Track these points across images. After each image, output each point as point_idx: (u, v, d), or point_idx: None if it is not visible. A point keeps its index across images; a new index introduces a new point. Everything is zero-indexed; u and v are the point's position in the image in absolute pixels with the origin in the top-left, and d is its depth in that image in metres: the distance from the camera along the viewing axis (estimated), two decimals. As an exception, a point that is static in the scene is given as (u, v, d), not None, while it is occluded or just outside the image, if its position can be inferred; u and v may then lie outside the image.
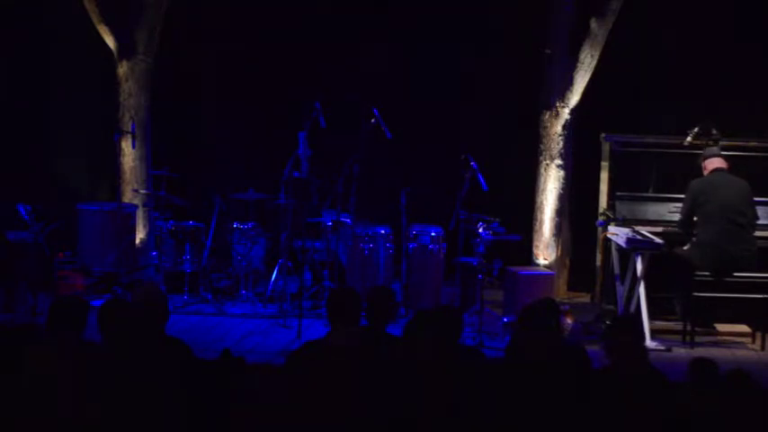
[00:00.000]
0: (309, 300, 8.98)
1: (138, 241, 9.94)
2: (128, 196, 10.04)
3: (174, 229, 9.35)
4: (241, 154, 10.64)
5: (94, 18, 9.92)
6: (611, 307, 8.86)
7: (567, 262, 10.29)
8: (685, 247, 8.40)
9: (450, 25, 10.31)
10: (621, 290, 8.60)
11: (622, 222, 8.78)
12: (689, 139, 8.92)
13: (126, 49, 10.01)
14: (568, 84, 9.80)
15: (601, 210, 9.35)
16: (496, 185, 8.52)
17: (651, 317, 8.18)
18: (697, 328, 8.28)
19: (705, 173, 8.48)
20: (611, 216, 9.00)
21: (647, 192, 9.34)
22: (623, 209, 9.08)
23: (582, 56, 9.72)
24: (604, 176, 9.50)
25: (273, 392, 5.29)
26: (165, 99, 10.39)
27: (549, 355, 5.14)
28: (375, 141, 8.88)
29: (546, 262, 9.88)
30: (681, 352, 7.96)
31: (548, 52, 9.86)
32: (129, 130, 9.75)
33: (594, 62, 9.73)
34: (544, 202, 9.99)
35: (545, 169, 9.98)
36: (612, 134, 9.52)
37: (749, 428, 4.82)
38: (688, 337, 8.21)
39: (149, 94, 10.18)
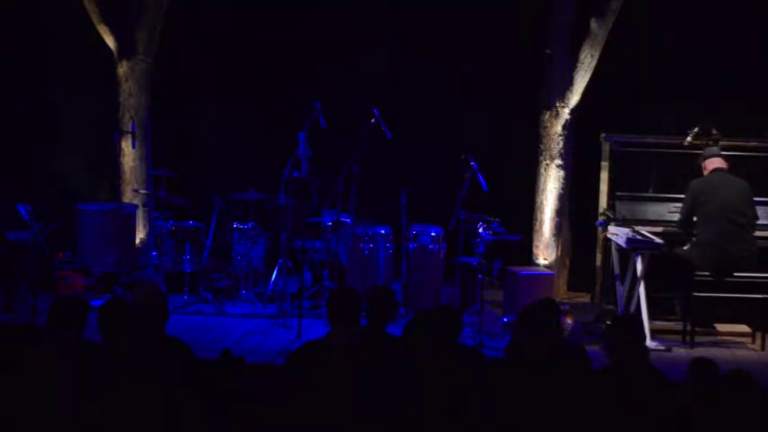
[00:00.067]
0: (309, 300, 8.98)
1: (138, 241, 9.94)
2: (128, 196, 10.05)
3: (174, 229, 9.35)
4: (241, 154, 10.64)
5: (94, 18, 9.92)
6: (611, 307, 8.86)
7: (567, 262, 10.29)
8: (685, 247, 8.40)
9: (451, 25, 10.31)
10: (621, 290, 8.60)
11: (622, 222, 8.78)
12: (689, 139, 8.92)
13: (126, 49, 10.02)
14: (568, 84, 9.80)
15: (601, 210, 9.35)
16: (496, 185, 8.52)
17: (651, 317, 8.18)
18: (697, 328, 8.28)
19: (705, 173, 8.48)
20: (611, 216, 9.00)
21: (647, 192, 9.34)
22: (623, 209, 9.08)
23: (582, 56, 9.72)
24: (604, 176, 9.50)
25: (273, 392, 5.29)
26: (165, 99, 10.39)
27: (549, 355, 5.14)
28: (375, 141, 8.88)
29: (546, 262, 9.88)
30: (681, 352, 7.97)
31: (548, 52, 9.86)
32: (129, 130, 9.76)
33: (594, 62, 9.74)
34: (544, 202, 9.99)
35: (545, 169, 9.98)
36: (612, 134, 9.52)
37: (749, 428, 4.82)
38: (688, 337, 8.21)
39: (149, 94, 10.18)
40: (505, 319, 8.30)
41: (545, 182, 9.99)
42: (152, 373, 5.10)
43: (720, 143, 8.78)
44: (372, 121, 8.84)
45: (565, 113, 9.88)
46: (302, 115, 8.86)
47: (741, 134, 9.24)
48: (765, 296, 8.18)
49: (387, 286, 7.59)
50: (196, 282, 9.29)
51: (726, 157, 8.54)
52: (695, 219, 8.37)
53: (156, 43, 10.10)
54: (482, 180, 8.27)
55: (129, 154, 10.06)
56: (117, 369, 5.09)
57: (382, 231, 9.09)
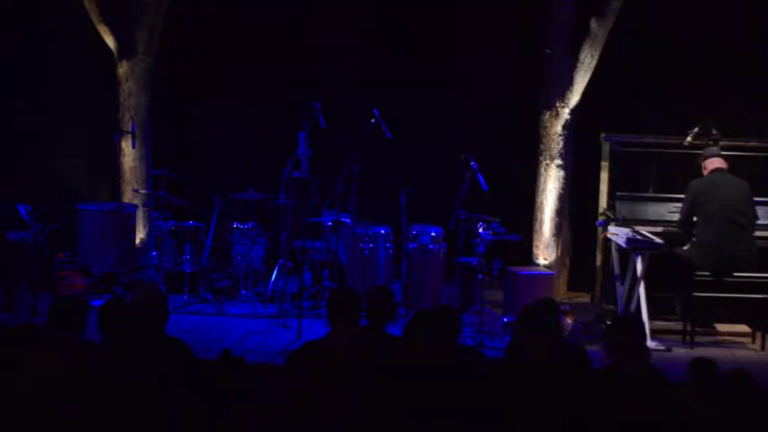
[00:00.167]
0: (309, 300, 8.98)
1: (138, 241, 9.94)
2: (128, 196, 10.05)
3: (174, 229, 9.35)
4: (241, 154, 10.64)
5: (94, 18, 9.92)
6: (611, 307, 8.86)
7: (567, 262, 10.29)
8: (685, 247, 8.40)
9: (451, 25, 10.31)
10: (621, 290, 8.60)
11: (622, 222, 8.78)
12: (689, 139, 8.92)
13: (126, 49, 10.02)
14: (568, 84, 9.80)
15: (601, 210, 9.35)
16: (496, 185, 8.52)
17: (651, 317, 8.18)
18: (697, 328, 8.28)
19: (705, 173, 8.48)
20: (611, 216, 9.00)
21: (647, 192, 9.34)
22: (623, 209, 9.08)
23: (582, 56, 9.72)
24: (604, 176, 9.50)
25: (273, 392, 5.29)
26: (165, 99, 10.39)
27: (549, 355, 5.14)
28: (375, 141, 8.88)
29: (546, 262, 9.88)
30: (681, 352, 7.97)
31: (548, 52, 9.86)
32: (129, 130, 9.76)
33: (594, 62, 9.74)
34: (544, 202, 9.99)
35: (545, 169, 9.98)
36: (612, 134, 9.52)
37: (749, 428, 4.82)
38: (688, 337, 8.21)
39: (149, 94, 10.18)
40: (505, 319, 8.30)
41: (545, 182, 9.99)
42: (152, 373, 5.10)
43: (720, 143, 8.78)
44: (372, 121, 8.84)
45: (565, 113, 9.88)
46: (302, 115, 8.86)
47: (741, 134, 9.24)
48: (765, 296, 8.18)
49: (387, 286, 7.59)
50: (196, 282, 9.29)
51: (726, 157, 8.54)
52: (695, 219, 8.37)
53: (156, 43, 10.10)
54: (482, 180, 8.27)
55: (129, 154, 10.06)
56: (117, 369, 5.09)
57: (382, 231, 9.09)
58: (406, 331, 5.26)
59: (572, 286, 10.25)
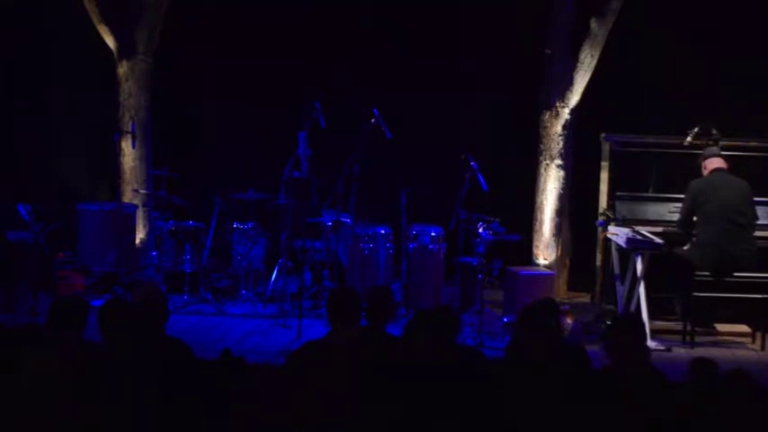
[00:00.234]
0: (309, 300, 8.98)
1: (138, 241, 9.95)
2: (128, 196, 10.05)
3: (174, 229, 9.35)
4: (241, 154, 10.64)
5: (94, 18, 9.92)
6: (611, 307, 8.86)
7: (567, 262, 10.29)
8: (685, 247, 8.41)
9: (451, 25, 10.31)
10: (621, 290, 8.60)
11: (622, 222, 8.78)
12: (689, 139, 8.92)
13: (126, 49, 10.02)
14: (568, 84, 9.80)
15: (601, 210, 9.35)
16: (496, 185, 8.52)
17: (651, 317, 8.18)
18: (697, 328, 8.28)
19: (705, 173, 8.48)
20: (611, 216, 9.00)
21: (647, 192, 9.34)
22: (623, 209, 9.08)
23: (582, 56, 9.72)
24: (604, 176, 9.50)
25: (273, 392, 5.29)
26: (165, 99, 10.39)
27: (549, 355, 5.14)
28: (375, 141, 8.88)
29: (546, 262, 9.88)
30: (681, 352, 7.97)
31: (548, 52, 9.86)
32: (129, 130, 9.76)
33: (594, 62, 9.74)
34: (544, 202, 9.99)
35: (545, 169, 9.98)
36: (612, 134, 9.52)
37: (749, 428, 4.82)
38: (688, 337, 8.21)
39: (149, 94, 10.18)
40: (505, 319, 8.30)
41: (545, 182, 9.99)
42: (152, 373, 5.10)
43: (720, 143, 8.78)
44: (372, 121, 8.84)
45: (565, 113, 9.88)
46: (302, 115, 8.86)
47: (741, 134, 9.24)
48: (765, 296, 8.18)
49: (387, 286, 7.59)
50: (196, 282, 9.29)
51: (726, 157, 8.53)
52: (695, 219, 8.37)
53: (155, 43, 10.10)
54: (482, 180, 8.27)
55: (129, 154, 10.06)
56: (117, 369, 5.09)
57: (382, 231, 9.09)
58: (406, 331, 5.26)
59: (572, 286, 10.25)
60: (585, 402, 4.98)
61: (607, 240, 9.09)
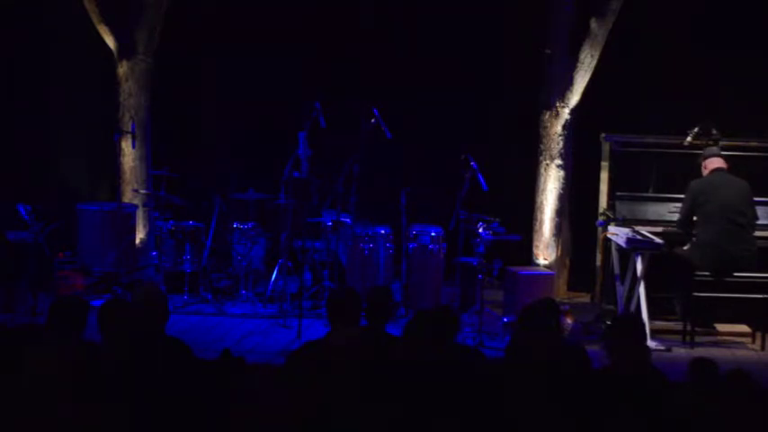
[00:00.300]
0: (309, 300, 8.98)
1: (138, 241, 9.95)
2: (128, 196, 10.05)
3: (174, 229, 9.35)
4: (241, 154, 10.64)
5: (94, 18, 9.92)
6: (611, 307, 8.86)
7: (567, 262, 10.29)
8: (685, 247, 8.41)
9: (451, 25, 10.31)
10: (621, 290, 8.60)
11: (622, 222, 8.78)
12: (689, 139, 8.93)
13: (126, 49, 10.02)
14: (568, 84, 9.80)
15: (601, 210, 9.35)
16: (496, 185, 8.53)
17: (651, 317, 8.18)
18: (697, 328, 8.28)
19: (705, 173, 8.48)
20: (611, 216, 9.00)
21: (647, 192, 9.34)
22: (623, 209, 9.08)
23: (582, 56, 9.72)
24: (604, 176, 9.50)
25: (273, 392, 5.29)
26: (165, 99, 10.39)
27: (549, 355, 5.14)
28: (375, 141, 8.88)
29: (546, 262, 9.88)
30: (681, 352, 7.97)
31: (548, 52, 9.86)
32: (129, 130, 9.76)
33: (594, 62, 9.74)
34: (544, 202, 9.99)
35: (545, 169, 9.98)
36: (612, 134, 9.52)
37: (749, 428, 4.82)
38: (688, 337, 8.21)
39: (149, 94, 10.18)
40: (505, 319, 8.30)
41: (545, 182, 9.99)
42: (152, 373, 5.10)
43: (720, 143, 8.78)
44: (372, 121, 8.85)
45: (565, 113, 9.88)
46: (302, 115, 8.86)
47: (741, 134, 9.25)
48: (765, 296, 8.19)
49: (387, 286, 7.59)
50: (196, 282, 9.29)
51: (726, 157, 8.53)
52: (695, 219, 8.37)
53: (155, 43, 10.11)
54: (482, 180, 8.27)
55: (129, 154, 10.06)
56: (117, 369, 5.09)
57: (382, 231, 9.09)
58: (406, 331, 5.26)
59: (572, 286, 10.25)
60: (585, 402, 4.99)
61: (607, 240, 9.09)
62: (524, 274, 8.82)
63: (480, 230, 8.35)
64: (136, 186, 10.06)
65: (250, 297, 9.22)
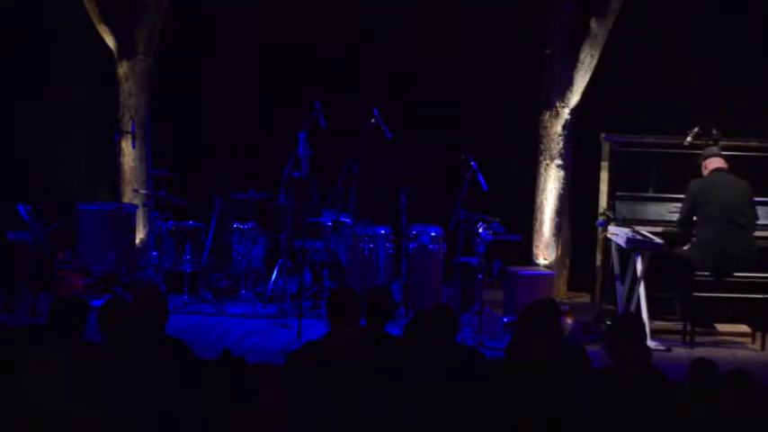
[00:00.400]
0: (309, 300, 8.98)
1: (138, 241, 9.94)
2: (128, 196, 10.05)
3: (174, 229, 9.35)
4: (241, 154, 10.64)
5: (94, 18, 9.92)
6: (611, 307, 8.86)
7: (567, 262, 10.29)
8: (685, 247, 8.40)
9: (451, 25, 10.31)
10: (621, 290, 8.60)
11: (622, 222, 8.77)
12: (689, 139, 8.92)
13: (126, 49, 10.02)
14: (568, 84, 9.80)
15: (601, 210, 9.34)
16: (496, 185, 8.53)
17: (651, 317, 8.18)
18: (697, 328, 8.28)
19: (705, 173, 8.48)
20: (611, 216, 9.00)
21: (647, 192, 9.34)
22: (623, 209, 9.08)
23: (582, 56, 9.72)
24: (604, 176, 9.50)
25: (273, 392, 5.29)
26: (165, 99, 10.39)
27: (549, 355, 5.14)
28: (375, 141, 8.88)
29: (546, 262, 9.88)
30: (681, 352, 7.96)
31: (548, 52, 9.86)
32: (129, 130, 9.75)
33: (594, 62, 9.74)
34: (544, 202, 9.99)
35: (545, 169, 9.98)
36: (612, 134, 9.52)
37: (749, 428, 4.82)
38: (688, 337, 8.21)
39: (149, 94, 10.18)
40: (505, 319, 8.30)
41: (545, 182, 9.99)
42: (152, 373, 5.10)
43: (720, 143, 8.78)
44: (372, 121, 8.85)
45: (565, 113, 9.88)
46: (302, 115, 8.86)
47: (741, 134, 9.24)
48: (765, 296, 8.18)
49: (386, 286, 7.59)
50: (196, 282, 9.29)
51: (726, 157, 8.53)
52: (695, 219, 8.37)
53: (155, 43, 10.10)
54: (482, 180, 8.27)
55: (129, 154, 10.06)
56: (117, 369, 5.09)
57: (382, 231, 9.09)
58: (406, 331, 5.26)
59: (572, 286, 10.25)
60: (585, 402, 4.99)
61: (607, 240, 9.09)
62: (524, 274, 8.82)
63: (480, 230, 8.35)
64: (136, 186, 10.06)
65: (250, 297, 9.22)
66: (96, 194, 10.53)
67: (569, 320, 8.04)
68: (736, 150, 9.01)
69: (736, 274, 8.18)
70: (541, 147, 10.00)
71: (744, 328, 8.68)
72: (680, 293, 8.45)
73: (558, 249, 10.00)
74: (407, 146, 9.78)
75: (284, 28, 10.45)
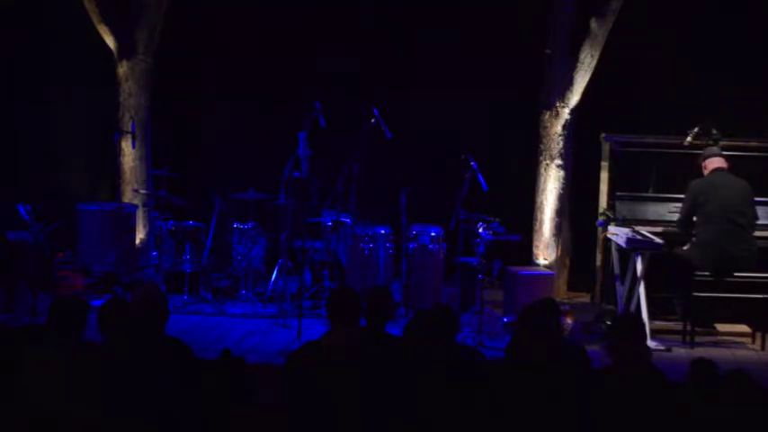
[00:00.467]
0: (309, 300, 8.98)
1: (138, 241, 9.94)
2: (128, 196, 10.05)
3: (174, 229, 9.35)
4: (241, 154, 10.63)
5: (94, 18, 9.92)
6: (611, 307, 8.86)
7: (567, 262, 10.29)
8: (685, 247, 8.40)
9: (451, 25, 10.31)
10: (621, 290, 8.60)
11: (622, 222, 8.77)
12: (689, 139, 8.92)
13: (126, 49, 10.02)
14: (568, 84, 9.80)
15: (601, 210, 9.34)
16: (496, 185, 8.53)
17: (651, 317, 8.18)
18: (697, 328, 8.28)
19: (705, 173, 8.48)
20: (611, 216, 8.99)
21: (647, 192, 9.34)
22: (623, 209, 9.07)
23: (582, 56, 9.72)
24: (604, 176, 9.50)
25: (273, 392, 5.29)
26: (165, 99, 10.39)
27: (549, 355, 5.14)
28: (375, 141, 8.88)
29: (546, 262, 9.88)
30: (681, 352, 7.97)
31: (548, 52, 9.86)
32: (129, 130, 9.76)
33: (594, 62, 9.73)
34: (544, 202, 9.99)
35: (545, 169, 9.98)
36: (612, 134, 9.52)
37: (749, 428, 4.82)
38: (688, 337, 8.21)
39: (149, 94, 10.18)
40: (505, 319, 8.30)
41: (545, 182, 9.99)
42: (152, 373, 5.10)
43: (720, 143, 8.78)
44: (372, 121, 8.85)
45: (565, 113, 9.88)
46: (302, 115, 8.86)
47: (741, 134, 9.24)
48: (765, 296, 8.18)
49: (386, 286, 7.59)
50: (196, 282, 9.29)
51: (726, 157, 8.53)
52: (695, 219, 8.37)
53: (155, 43, 10.10)
54: (482, 180, 8.27)
55: (129, 154, 10.06)
56: (117, 369, 5.09)
57: (382, 231, 9.09)
58: (406, 331, 5.26)
59: (572, 286, 10.25)
60: (585, 402, 4.99)
61: (607, 240, 9.09)
62: (524, 274, 8.82)
63: (480, 230, 8.35)
64: (136, 186, 10.06)
65: (250, 297, 9.22)
66: (96, 194, 10.52)
67: (569, 320, 8.03)
68: (736, 150, 9.01)
69: (736, 274, 8.18)
70: (541, 147, 10.00)
71: (744, 328, 8.68)
72: (680, 293, 8.45)
73: (558, 249, 10.00)
74: (407, 146, 9.79)
75: (284, 28, 10.45)
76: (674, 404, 4.97)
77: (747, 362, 7.65)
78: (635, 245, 8.24)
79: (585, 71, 9.76)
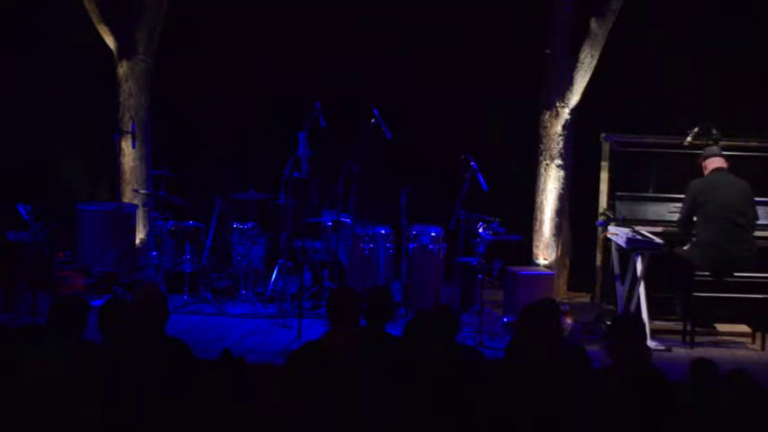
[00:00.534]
0: (309, 300, 8.98)
1: (138, 241, 9.94)
2: (128, 196, 10.05)
3: (174, 229, 9.35)
4: (241, 154, 10.63)
5: (94, 18, 9.92)
6: (611, 307, 8.86)
7: (567, 262, 10.29)
8: (685, 247, 8.40)
9: (451, 25, 10.31)
10: (621, 290, 8.60)
11: (622, 222, 8.77)
12: (689, 139, 8.92)
13: (126, 49, 10.02)
14: (568, 84, 9.80)
15: (601, 210, 9.34)
16: (496, 185, 8.52)
17: (651, 317, 8.18)
18: (697, 328, 8.28)
19: (705, 173, 8.48)
20: (611, 216, 9.00)
21: (647, 192, 9.34)
22: (623, 209, 9.08)
23: (582, 56, 9.72)
24: (604, 176, 9.50)
25: (273, 392, 5.29)
26: (165, 99, 10.39)
27: (549, 355, 5.14)
28: (375, 141, 8.88)
29: (546, 262, 9.88)
30: (681, 352, 7.97)
31: (548, 52, 9.86)
32: (129, 130, 9.76)
33: (594, 62, 9.74)
34: (544, 202, 9.99)
35: (545, 169, 9.98)
36: (612, 134, 9.52)
37: (749, 428, 4.82)
38: (688, 337, 8.21)
39: (149, 94, 10.18)
40: (505, 319, 8.30)
41: (545, 182, 9.99)
42: (152, 373, 5.10)
43: (720, 143, 8.78)
44: (372, 121, 8.85)
45: (565, 113, 9.88)
46: (302, 115, 8.86)
47: (741, 134, 9.24)
48: (765, 296, 8.18)
49: (386, 286, 7.59)
50: (196, 282, 9.29)
51: (726, 157, 8.53)
52: (695, 219, 8.37)
53: (155, 43, 10.10)
54: (482, 180, 8.27)
55: (129, 154, 10.06)
56: (117, 369, 5.09)
57: (382, 231, 9.09)
58: (406, 331, 5.26)
59: (572, 286, 10.25)
60: (585, 402, 4.99)
61: (607, 240, 9.09)
62: (524, 274, 8.82)
63: (480, 230, 8.35)
64: (136, 186, 10.06)
65: (250, 297, 9.22)
66: (96, 194, 10.52)
67: (569, 320, 8.04)
68: (736, 150, 9.01)
69: (736, 274, 8.18)
70: (541, 147, 10.00)
71: (744, 328, 8.69)
72: (680, 293, 8.45)
73: (558, 249, 10.00)
74: (407, 146, 9.78)
75: (284, 28, 10.45)
76: (674, 404, 4.97)
77: (747, 362, 7.65)
78: (635, 245, 8.24)
79: (585, 71, 9.76)
